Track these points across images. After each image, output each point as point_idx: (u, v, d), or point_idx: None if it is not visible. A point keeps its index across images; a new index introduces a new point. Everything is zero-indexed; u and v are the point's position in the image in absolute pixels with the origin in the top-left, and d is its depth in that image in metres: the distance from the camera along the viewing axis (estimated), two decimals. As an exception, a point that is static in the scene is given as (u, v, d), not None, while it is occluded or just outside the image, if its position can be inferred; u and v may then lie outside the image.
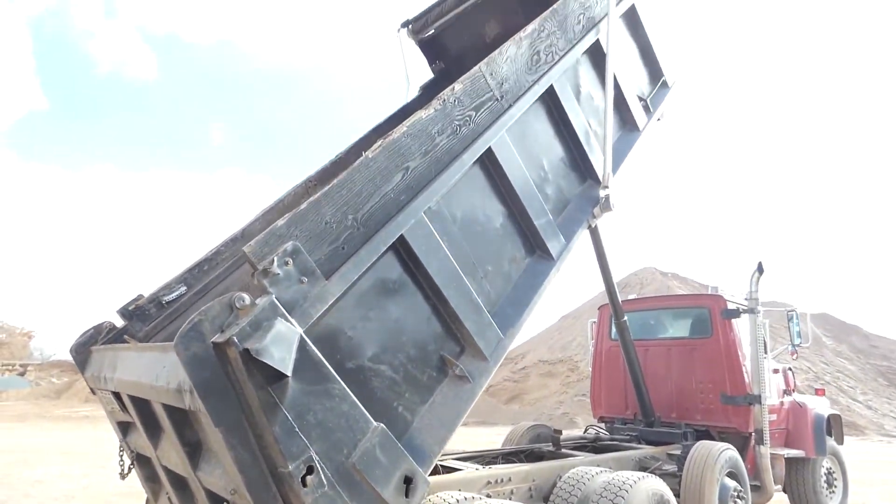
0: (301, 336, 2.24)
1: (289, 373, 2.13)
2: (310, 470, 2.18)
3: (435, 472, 4.22)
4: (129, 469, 3.77)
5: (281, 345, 2.13)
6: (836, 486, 6.98)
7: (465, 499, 3.17)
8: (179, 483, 3.09)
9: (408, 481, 2.47)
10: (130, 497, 7.25)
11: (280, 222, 2.44)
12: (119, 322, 3.97)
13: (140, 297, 4.07)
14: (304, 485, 2.15)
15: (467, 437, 12.53)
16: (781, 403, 6.68)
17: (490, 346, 3.05)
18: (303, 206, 2.53)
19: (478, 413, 25.22)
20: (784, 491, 6.65)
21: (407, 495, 2.46)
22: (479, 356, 3.00)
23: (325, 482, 2.20)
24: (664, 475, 4.80)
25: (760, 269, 6.14)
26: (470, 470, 3.98)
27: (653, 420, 6.21)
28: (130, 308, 3.97)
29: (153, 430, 3.12)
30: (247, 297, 2.18)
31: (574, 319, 30.70)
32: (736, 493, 4.97)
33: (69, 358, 4.16)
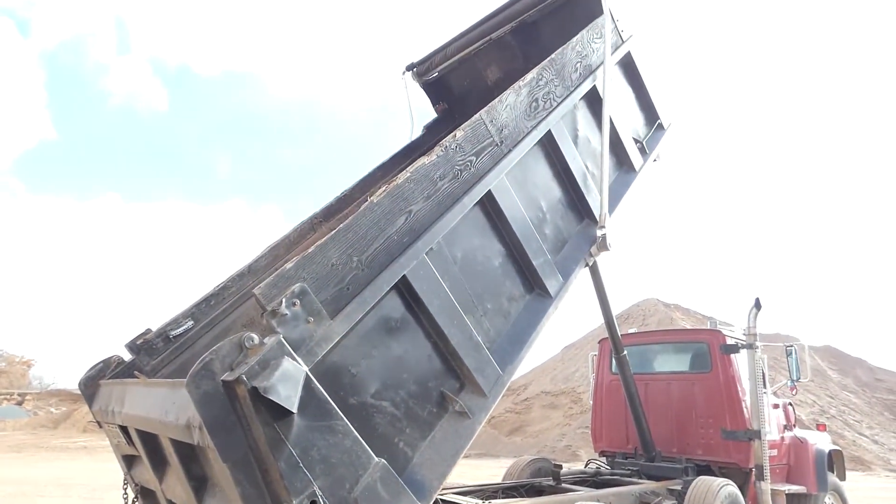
0: (307, 374, 2.34)
1: (294, 410, 2.23)
2: (313, 504, 2.25)
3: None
4: (133, 502, 3.82)
5: (287, 383, 2.23)
6: (839, 524, 6.93)
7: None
8: (183, 516, 3.14)
9: (409, 518, 2.53)
10: (129, 530, 7.20)
11: (288, 265, 2.57)
12: (126, 356, 4.06)
13: (148, 331, 4.18)
14: (308, 520, 2.22)
15: (469, 470, 12.42)
16: (782, 439, 6.69)
17: (489, 382, 3.14)
18: (311, 249, 2.66)
19: (480, 445, 24.94)
20: (787, 529, 6.59)
21: (410, 532, 2.52)
22: (479, 392, 3.09)
23: (327, 518, 2.28)
24: (664, 510, 4.82)
25: (758, 305, 6.23)
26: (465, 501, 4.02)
27: (654, 455, 6.22)
28: (138, 342, 4.07)
29: (159, 464, 3.19)
30: (256, 337, 2.29)
31: (577, 350, 30.57)
32: (736, 530, 4.97)
33: (68, 387, 4.26)
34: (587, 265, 4.31)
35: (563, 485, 5.37)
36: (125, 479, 3.89)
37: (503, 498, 4.67)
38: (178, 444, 2.69)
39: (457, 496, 4.50)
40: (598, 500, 4.35)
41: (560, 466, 5.90)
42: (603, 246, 4.22)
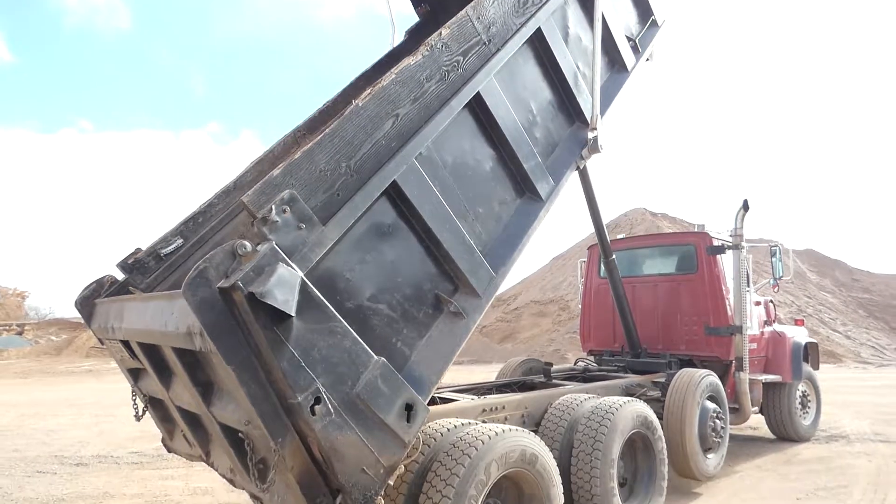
0: (302, 279, 2.36)
1: (293, 313, 2.27)
2: (317, 401, 2.35)
3: (433, 403, 4.48)
4: (143, 412, 3.98)
5: (284, 287, 2.26)
6: (809, 408, 7.43)
7: (462, 424, 3.40)
8: (193, 420, 3.29)
9: (409, 408, 2.66)
10: (143, 440, 7.58)
11: (276, 172, 2.52)
12: (119, 275, 4.07)
13: (138, 250, 4.15)
14: (313, 414, 2.33)
15: (463, 375, 12.99)
16: (762, 333, 7.00)
17: (482, 283, 3.20)
18: (297, 155, 2.60)
19: (472, 352, 25.94)
20: (761, 412, 7.07)
21: (408, 420, 2.66)
22: (472, 293, 3.15)
23: (332, 411, 2.39)
24: (649, 400, 5.10)
25: (746, 207, 6.29)
26: (466, 400, 4.23)
27: (639, 351, 6.51)
28: (130, 262, 4.06)
29: (164, 374, 3.29)
30: (248, 245, 2.29)
31: (565, 261, 31.13)
32: (715, 415, 5.31)
33: (66, 316, 4.29)
34: (578, 168, 4.28)
35: (554, 381, 5.65)
36: (133, 391, 4.02)
37: (497, 394, 4.91)
38: (180, 353, 2.76)
39: (453, 393, 4.74)
40: (587, 393, 4.59)
41: (550, 364, 6.19)
42: (594, 148, 4.17)
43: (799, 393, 7.18)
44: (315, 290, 2.43)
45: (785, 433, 7.12)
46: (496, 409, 4.16)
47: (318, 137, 2.64)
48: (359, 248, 2.75)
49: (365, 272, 2.77)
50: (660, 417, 5.01)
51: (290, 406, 2.36)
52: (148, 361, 3.31)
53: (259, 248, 2.31)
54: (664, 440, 4.54)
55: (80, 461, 6.78)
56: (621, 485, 4.33)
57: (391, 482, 2.75)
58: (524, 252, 3.52)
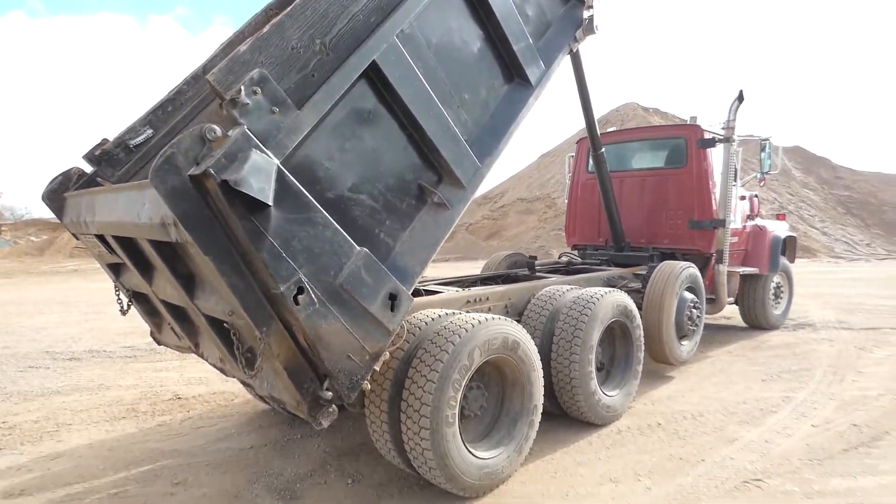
0: (278, 167, 2.24)
1: (270, 202, 2.18)
2: (300, 290, 2.33)
3: (418, 294, 4.55)
4: (128, 307, 3.97)
5: (259, 175, 2.14)
6: (781, 298, 7.72)
7: (447, 313, 3.45)
8: (179, 313, 3.29)
9: (392, 298, 2.67)
10: (135, 335, 7.73)
11: (242, 48, 2.31)
12: (87, 168, 3.88)
13: (105, 141, 3.94)
14: (297, 303, 2.32)
15: (450, 271, 13.24)
16: (744, 227, 7.09)
17: (467, 174, 3.10)
18: (265, 29, 2.37)
19: (459, 250, 26.34)
20: (735, 303, 7.35)
21: (392, 310, 2.67)
22: (457, 184, 3.06)
23: (315, 301, 2.37)
24: (630, 291, 5.23)
25: (741, 98, 6.09)
26: (451, 292, 4.28)
27: (623, 245, 6.59)
28: (97, 153, 3.85)
29: (145, 268, 3.23)
30: (218, 129, 2.14)
31: (552, 158, 30.82)
32: (692, 305, 5.48)
33: (44, 216, 4.13)
34: (571, 52, 4.04)
35: (538, 274, 5.74)
36: (116, 287, 3.99)
37: (482, 286, 5.00)
38: (157, 245, 2.68)
39: (439, 286, 4.80)
40: (569, 284, 4.68)
41: (535, 258, 6.26)
42: (589, 29, 3.90)
43: (773, 284, 7.42)
44: (293, 178, 2.32)
45: (756, 322, 7.45)
46: (480, 300, 4.22)
47: (288, 9, 2.40)
48: (337, 135, 2.61)
49: (345, 161, 2.64)
50: (639, 307, 5.17)
51: (273, 296, 2.34)
52: (126, 255, 3.23)
53: (230, 133, 2.16)
54: (642, 328, 4.70)
55: (73, 356, 6.92)
56: (599, 369, 4.53)
57: (377, 368, 2.81)
58: (511, 142, 3.39)
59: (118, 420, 4.73)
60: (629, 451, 3.83)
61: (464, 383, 3.13)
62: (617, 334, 4.63)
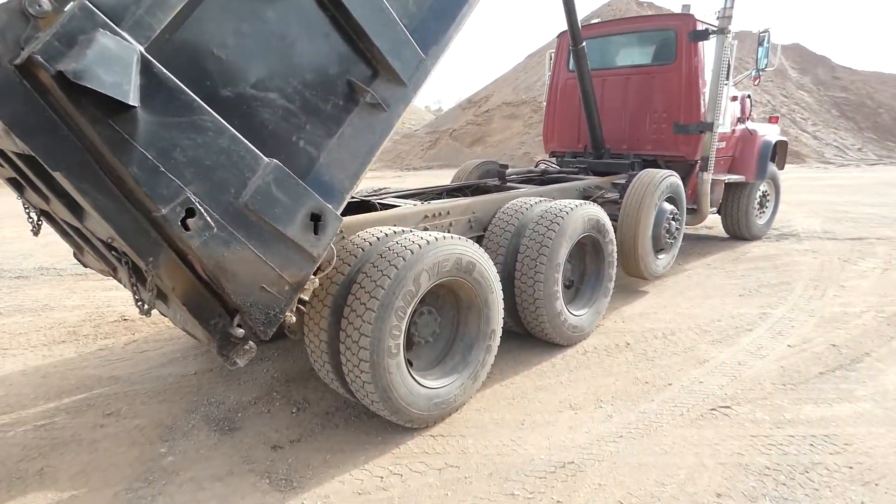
0: (141, 54, 1.74)
1: (133, 102, 1.70)
2: (190, 213, 1.91)
3: (371, 209, 4.15)
4: (38, 226, 3.53)
5: (111, 66, 1.65)
6: (767, 207, 7.41)
7: (395, 232, 3.07)
8: (81, 235, 2.87)
9: (315, 218, 2.27)
10: (88, 251, 7.31)
11: None
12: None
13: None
14: (187, 228, 1.91)
15: (431, 180, 12.73)
16: (733, 132, 6.61)
17: (408, 68, 2.59)
18: None
19: (441, 157, 25.61)
20: (718, 213, 7.03)
21: (316, 232, 2.28)
22: (396, 80, 2.56)
23: (212, 224, 1.97)
24: (606, 202, 4.86)
25: (740, -19, 5.38)
26: (408, 206, 3.87)
27: (603, 152, 6.13)
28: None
29: (33, 184, 2.76)
30: (45, 2, 1.61)
31: (540, 59, 29.20)
32: (671, 216, 5.14)
33: None
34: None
35: (508, 184, 5.32)
36: (24, 204, 3.53)
37: (446, 199, 4.59)
38: (23, 158, 2.21)
39: (397, 199, 4.39)
40: (541, 196, 4.28)
41: (506, 167, 5.80)
42: None
43: (759, 193, 7.08)
44: (166, 71, 1.82)
45: (738, 232, 7.18)
46: (440, 214, 3.83)
47: None
48: (230, 14, 2.06)
49: (244, 49, 2.12)
50: (616, 220, 4.82)
51: (156, 220, 1.93)
52: (10, 168, 2.75)
53: (66, 8, 1.64)
54: (615, 243, 4.38)
55: (21, 274, 6.54)
56: (567, 286, 4.26)
57: (305, 297, 2.47)
58: (463, 28, 2.83)
59: (58, 344, 4.44)
60: (593, 374, 3.63)
61: (409, 311, 2.81)
62: (588, 250, 4.31)
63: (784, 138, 7.38)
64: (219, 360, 4.09)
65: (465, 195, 4.91)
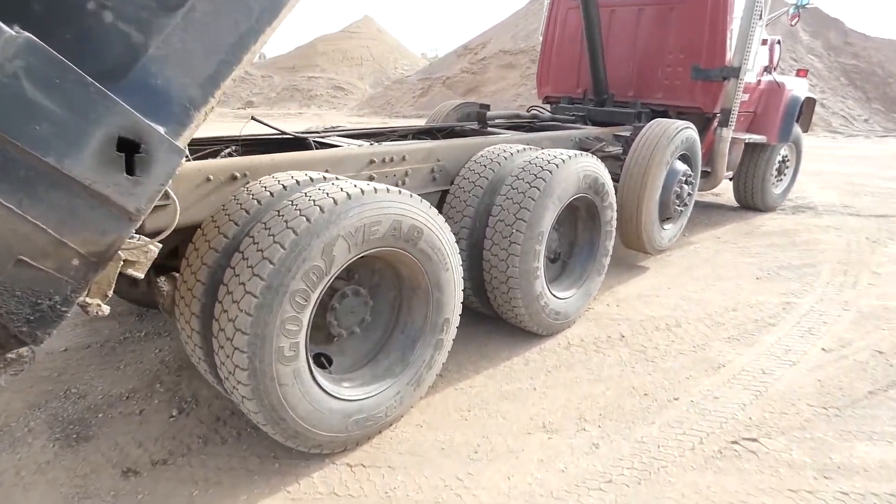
0: None
1: None
2: None
3: (305, 147, 3.22)
4: None
5: None
6: (785, 175, 6.52)
7: (310, 180, 2.16)
8: None
9: (128, 147, 1.34)
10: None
11: None
12: None
13: None
14: None
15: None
16: (758, 82, 5.64)
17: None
18: None
19: (433, 105, 24.19)
20: (729, 179, 6.14)
21: (131, 171, 1.35)
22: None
23: None
24: (606, 157, 3.94)
25: None
26: (348, 147, 2.93)
27: (605, 98, 5.15)
28: None
29: None
30: None
31: (543, 4, 27.50)
32: (684, 178, 4.24)
33: None
34: None
35: (490, 129, 4.36)
36: None
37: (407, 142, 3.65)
38: None
39: (340, 138, 3.44)
40: (527, 144, 3.36)
41: (487, 107, 4.82)
42: None
43: (779, 157, 6.17)
44: None
45: (751, 202, 6.31)
46: (392, 160, 2.88)
47: None
48: None
49: None
50: (616, 180, 3.91)
51: None
52: None
53: None
54: (615, 208, 3.48)
55: None
56: (552, 260, 3.39)
57: (136, 272, 1.57)
58: None
59: None
60: (577, 377, 2.80)
61: (316, 295, 1.93)
62: (581, 215, 3.42)
63: (812, 95, 6.42)
64: (105, 333, 3.22)
65: (434, 139, 3.97)
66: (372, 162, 2.80)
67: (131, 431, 2.34)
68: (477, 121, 4.51)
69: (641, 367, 2.91)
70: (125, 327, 3.27)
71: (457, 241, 2.90)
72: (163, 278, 2.26)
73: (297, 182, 2.15)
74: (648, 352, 3.07)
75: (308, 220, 1.86)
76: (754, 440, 2.32)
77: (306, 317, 1.91)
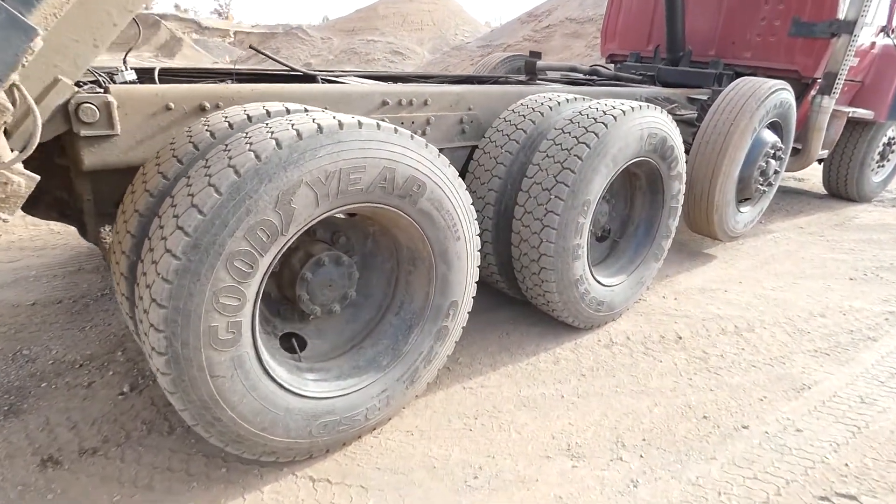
0: None
1: None
2: None
3: (311, 80, 2.74)
4: None
5: None
6: (889, 161, 5.55)
7: (286, 111, 1.66)
8: None
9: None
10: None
11: None
12: None
13: None
14: None
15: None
16: (872, 45, 4.71)
17: None
18: None
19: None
20: (819, 161, 5.26)
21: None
22: None
23: None
24: (678, 120, 3.26)
25: None
26: (359, 84, 2.40)
27: (681, 56, 4.40)
28: None
29: None
30: None
31: (616, -31, 25.79)
32: (773, 151, 3.50)
33: None
34: None
35: (540, 82, 3.74)
36: None
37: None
38: None
39: (359, 79, 2.92)
40: (582, 95, 2.75)
41: (538, 55, 4.16)
42: None
43: (885, 139, 5.23)
44: None
45: (843, 189, 5.41)
46: (410, 102, 2.35)
47: None
48: None
49: None
50: (687, 151, 3.23)
51: None
52: None
53: None
54: (684, 180, 2.83)
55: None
56: (599, 238, 2.80)
57: None
58: None
59: None
60: (619, 385, 2.24)
61: (267, 261, 1.44)
62: (640, 184, 2.80)
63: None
64: (82, 287, 2.88)
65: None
66: (385, 103, 2.27)
67: (70, 409, 1.97)
68: (525, 71, 3.89)
69: (701, 379, 2.31)
70: (106, 282, 2.92)
71: (482, 207, 2.39)
72: (107, 228, 1.85)
73: (268, 113, 1.65)
74: (711, 360, 2.46)
75: (257, 157, 1.36)
76: (853, 499, 1.71)
77: (252, 289, 1.43)
